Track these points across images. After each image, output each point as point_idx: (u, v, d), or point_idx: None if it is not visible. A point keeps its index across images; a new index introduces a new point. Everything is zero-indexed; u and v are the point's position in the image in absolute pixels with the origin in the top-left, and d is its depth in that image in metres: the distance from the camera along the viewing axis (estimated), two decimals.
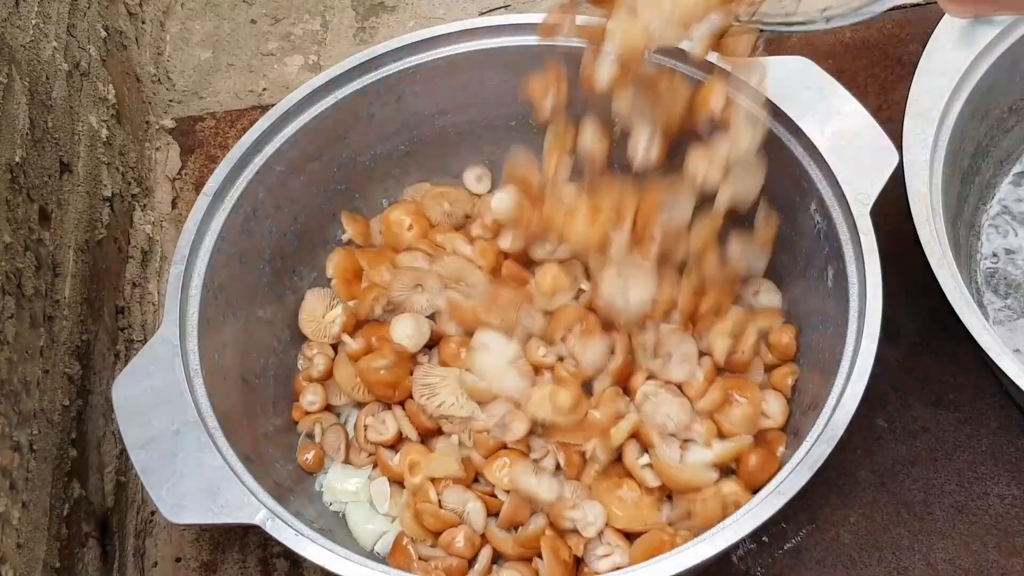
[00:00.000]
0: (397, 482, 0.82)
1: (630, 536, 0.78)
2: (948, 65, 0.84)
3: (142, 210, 1.03)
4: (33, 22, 0.84)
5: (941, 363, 0.90)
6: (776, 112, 0.80)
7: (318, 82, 0.85)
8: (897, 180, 0.77)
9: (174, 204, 1.07)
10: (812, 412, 0.75)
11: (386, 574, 0.65)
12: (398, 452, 0.83)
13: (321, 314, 0.90)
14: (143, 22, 1.16)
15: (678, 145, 0.76)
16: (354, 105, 0.87)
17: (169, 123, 1.12)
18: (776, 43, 1.11)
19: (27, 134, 0.79)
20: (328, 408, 0.87)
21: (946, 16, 0.86)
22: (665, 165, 0.77)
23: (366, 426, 0.83)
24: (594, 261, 0.83)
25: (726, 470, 0.79)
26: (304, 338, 0.90)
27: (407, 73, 0.87)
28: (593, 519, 0.77)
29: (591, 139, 0.79)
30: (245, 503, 0.67)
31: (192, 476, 0.68)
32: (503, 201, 0.86)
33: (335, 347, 0.89)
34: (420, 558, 0.78)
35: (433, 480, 0.79)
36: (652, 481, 0.78)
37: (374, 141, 0.91)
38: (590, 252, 0.82)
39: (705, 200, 0.78)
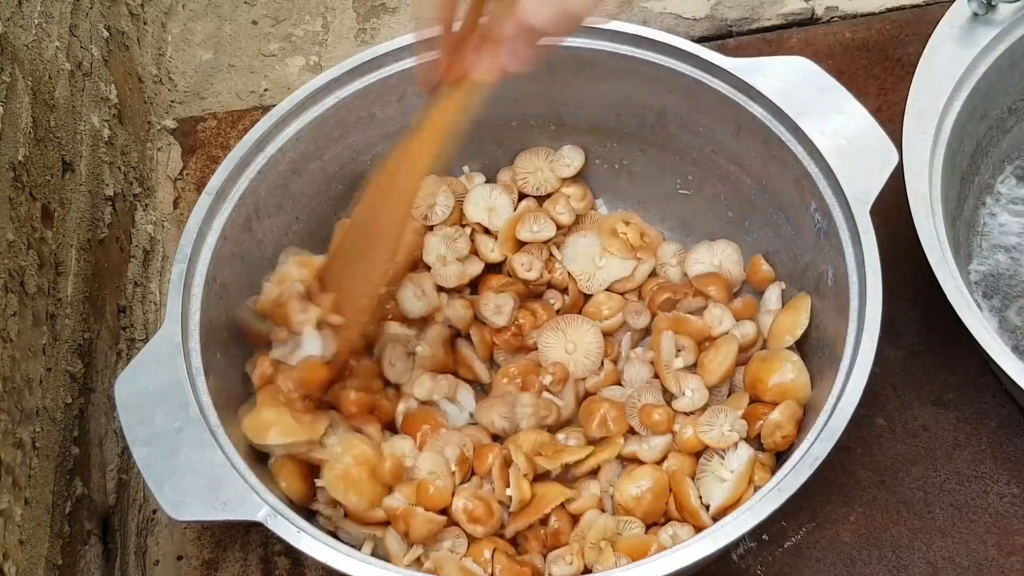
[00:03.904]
0: None
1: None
2: (948, 65, 0.84)
3: (144, 210, 1.04)
4: (36, 22, 0.85)
5: (941, 362, 0.90)
6: (776, 112, 0.80)
7: (319, 82, 0.85)
8: (897, 180, 0.78)
9: (176, 204, 1.07)
10: (812, 411, 0.76)
11: (387, 571, 0.65)
12: None
13: None
14: (145, 23, 1.16)
15: None
16: (355, 105, 0.87)
17: (171, 123, 1.12)
18: (776, 43, 1.11)
19: (30, 133, 0.79)
20: None
21: (946, 17, 0.86)
22: None
23: None
24: None
25: None
26: None
27: (408, 73, 0.87)
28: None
29: None
30: (247, 500, 0.67)
31: (194, 473, 0.68)
32: None
33: None
34: None
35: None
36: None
37: (376, 141, 0.91)
38: None
39: None
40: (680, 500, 0.76)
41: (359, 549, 0.76)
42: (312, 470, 0.77)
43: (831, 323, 0.77)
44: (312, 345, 0.76)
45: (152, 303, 1.00)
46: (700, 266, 0.90)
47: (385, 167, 0.74)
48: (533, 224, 0.90)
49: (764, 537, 0.84)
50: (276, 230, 0.87)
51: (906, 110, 0.83)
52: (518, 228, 0.90)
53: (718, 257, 0.90)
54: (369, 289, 0.77)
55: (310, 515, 0.79)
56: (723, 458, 0.77)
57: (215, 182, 0.80)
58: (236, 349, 0.81)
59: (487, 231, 0.92)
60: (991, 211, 0.95)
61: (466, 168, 0.96)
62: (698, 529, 0.74)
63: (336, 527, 0.77)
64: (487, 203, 0.92)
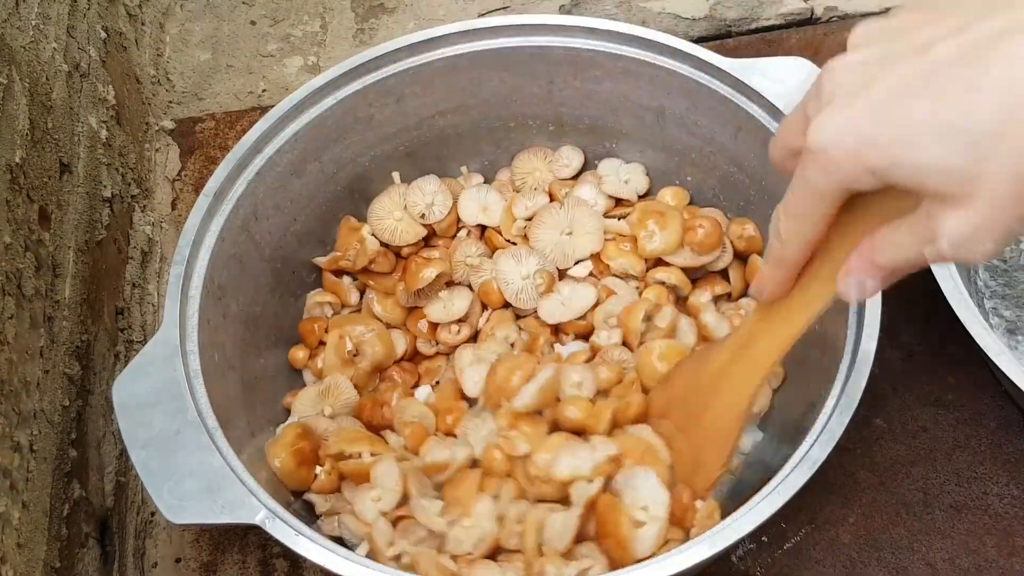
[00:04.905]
0: None
1: None
2: None
3: (142, 211, 1.04)
4: (33, 23, 0.84)
5: (940, 363, 0.90)
6: (776, 113, 0.80)
7: (318, 83, 0.85)
8: None
9: (174, 205, 1.07)
10: (812, 412, 0.76)
11: (385, 574, 0.65)
12: None
13: None
14: (143, 23, 1.16)
15: None
16: (354, 106, 0.87)
17: (169, 124, 1.12)
18: (775, 43, 1.11)
19: (27, 135, 0.79)
20: None
21: None
22: None
23: None
24: None
25: None
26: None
27: (407, 74, 0.87)
28: None
29: None
30: (245, 503, 0.67)
31: (192, 476, 0.68)
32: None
33: None
34: None
35: None
36: None
37: (374, 142, 0.91)
38: None
39: None
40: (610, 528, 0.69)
41: (357, 546, 0.76)
42: (314, 456, 0.78)
43: (831, 323, 0.77)
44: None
45: (150, 305, 1.00)
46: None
47: (702, 367, 0.70)
48: (527, 201, 0.91)
49: (764, 539, 0.83)
50: (274, 231, 0.87)
51: None
52: (513, 209, 0.90)
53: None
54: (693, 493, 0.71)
55: (309, 508, 0.79)
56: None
57: (213, 183, 0.80)
58: (234, 351, 0.81)
59: (484, 232, 0.93)
60: None
61: (464, 168, 0.96)
62: (623, 564, 0.67)
63: (338, 519, 0.78)
64: (480, 203, 0.92)
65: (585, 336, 0.86)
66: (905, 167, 0.44)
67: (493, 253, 0.90)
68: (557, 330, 0.87)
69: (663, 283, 0.86)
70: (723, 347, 0.69)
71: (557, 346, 0.85)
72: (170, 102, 1.14)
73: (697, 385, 0.71)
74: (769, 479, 0.68)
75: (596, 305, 0.85)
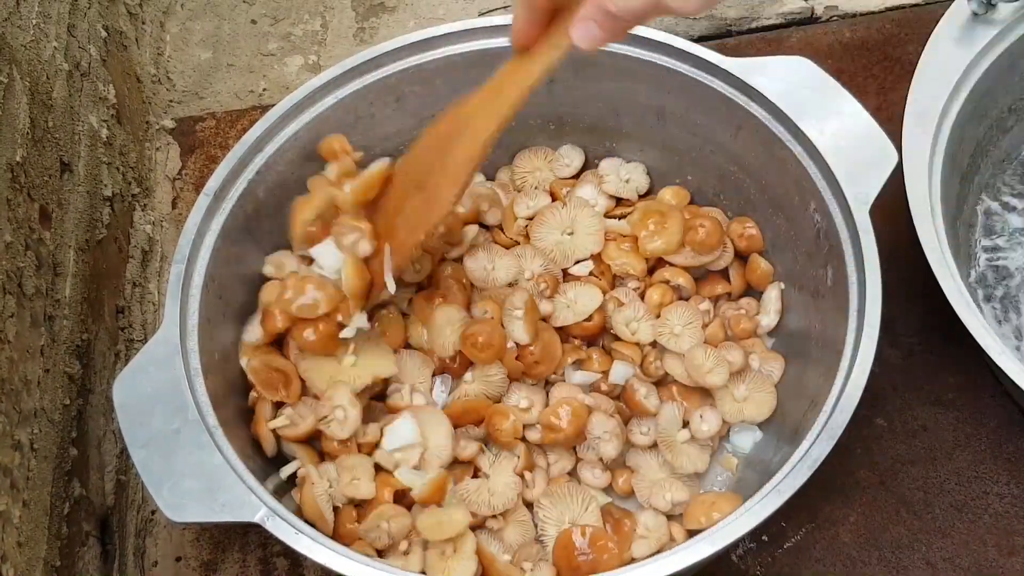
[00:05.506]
0: None
1: None
2: (947, 65, 0.84)
3: (142, 210, 1.04)
4: (34, 22, 0.84)
5: (940, 362, 0.90)
6: (776, 112, 0.80)
7: (318, 82, 0.85)
8: (897, 180, 0.78)
9: (174, 204, 1.07)
10: (812, 411, 0.76)
11: (385, 572, 0.65)
12: None
13: None
14: (143, 22, 1.16)
15: None
16: (354, 105, 0.87)
17: (169, 123, 1.12)
18: (775, 43, 1.11)
19: (28, 134, 0.79)
20: None
21: (946, 16, 0.86)
22: None
23: None
24: None
25: None
26: None
27: (407, 73, 0.87)
28: None
29: None
30: (245, 501, 0.67)
31: (192, 475, 0.68)
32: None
33: None
34: None
35: None
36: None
37: (374, 141, 0.91)
38: None
39: None
40: None
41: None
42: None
43: (831, 323, 0.77)
44: (328, 259, 0.77)
45: (151, 303, 1.00)
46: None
47: (458, 111, 0.74)
48: (528, 200, 0.91)
49: (764, 538, 0.83)
50: (275, 230, 0.86)
51: (906, 110, 0.82)
52: (515, 208, 0.91)
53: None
54: (425, 226, 0.74)
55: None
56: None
57: (214, 182, 0.80)
58: (235, 350, 0.81)
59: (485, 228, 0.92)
60: (991, 211, 0.95)
61: None
62: None
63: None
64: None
65: (591, 337, 0.86)
66: None
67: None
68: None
69: (667, 282, 0.86)
70: (473, 96, 0.73)
71: (568, 371, 0.85)
72: (171, 101, 1.14)
73: (445, 133, 0.74)
74: (769, 478, 0.68)
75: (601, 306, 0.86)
